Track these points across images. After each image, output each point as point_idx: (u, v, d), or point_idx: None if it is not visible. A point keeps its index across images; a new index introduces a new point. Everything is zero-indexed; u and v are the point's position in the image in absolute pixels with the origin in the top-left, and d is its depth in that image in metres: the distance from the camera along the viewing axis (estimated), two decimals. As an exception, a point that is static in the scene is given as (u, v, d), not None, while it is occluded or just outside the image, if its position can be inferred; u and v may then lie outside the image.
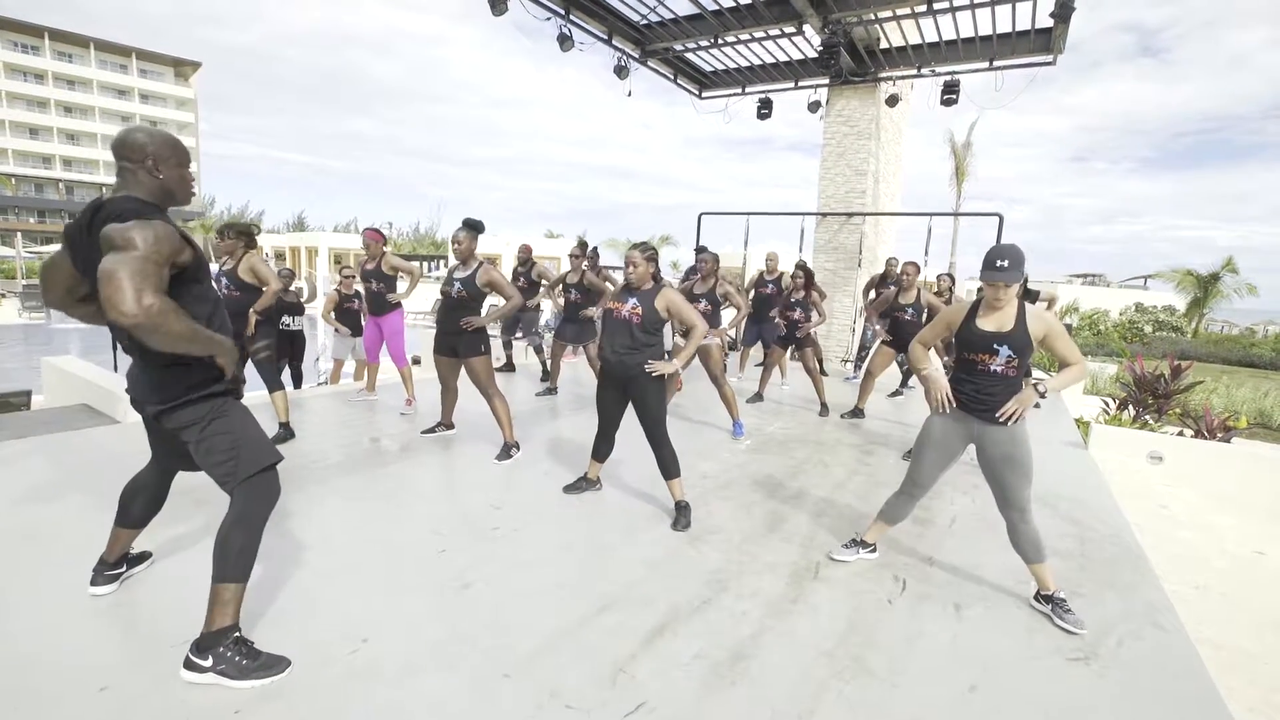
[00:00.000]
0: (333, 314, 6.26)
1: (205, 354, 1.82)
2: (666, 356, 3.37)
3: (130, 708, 1.80)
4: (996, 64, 8.48)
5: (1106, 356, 18.52)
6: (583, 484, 3.69)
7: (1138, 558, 3.19)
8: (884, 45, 8.69)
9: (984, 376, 2.55)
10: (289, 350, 5.93)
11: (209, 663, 1.87)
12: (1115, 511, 3.82)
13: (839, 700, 2.00)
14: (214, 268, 3.69)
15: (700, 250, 5.48)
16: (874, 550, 3.00)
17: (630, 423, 3.42)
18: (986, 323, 2.55)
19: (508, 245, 34.14)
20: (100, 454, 3.96)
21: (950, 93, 8.74)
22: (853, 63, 8.87)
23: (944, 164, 28.74)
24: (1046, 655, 2.30)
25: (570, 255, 5.96)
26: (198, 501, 3.08)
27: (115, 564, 2.33)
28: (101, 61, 51.87)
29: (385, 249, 5.36)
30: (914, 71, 9.14)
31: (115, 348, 4.50)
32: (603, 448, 3.60)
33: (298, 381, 6.25)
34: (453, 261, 4.24)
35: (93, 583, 2.31)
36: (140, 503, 2.25)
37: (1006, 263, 2.41)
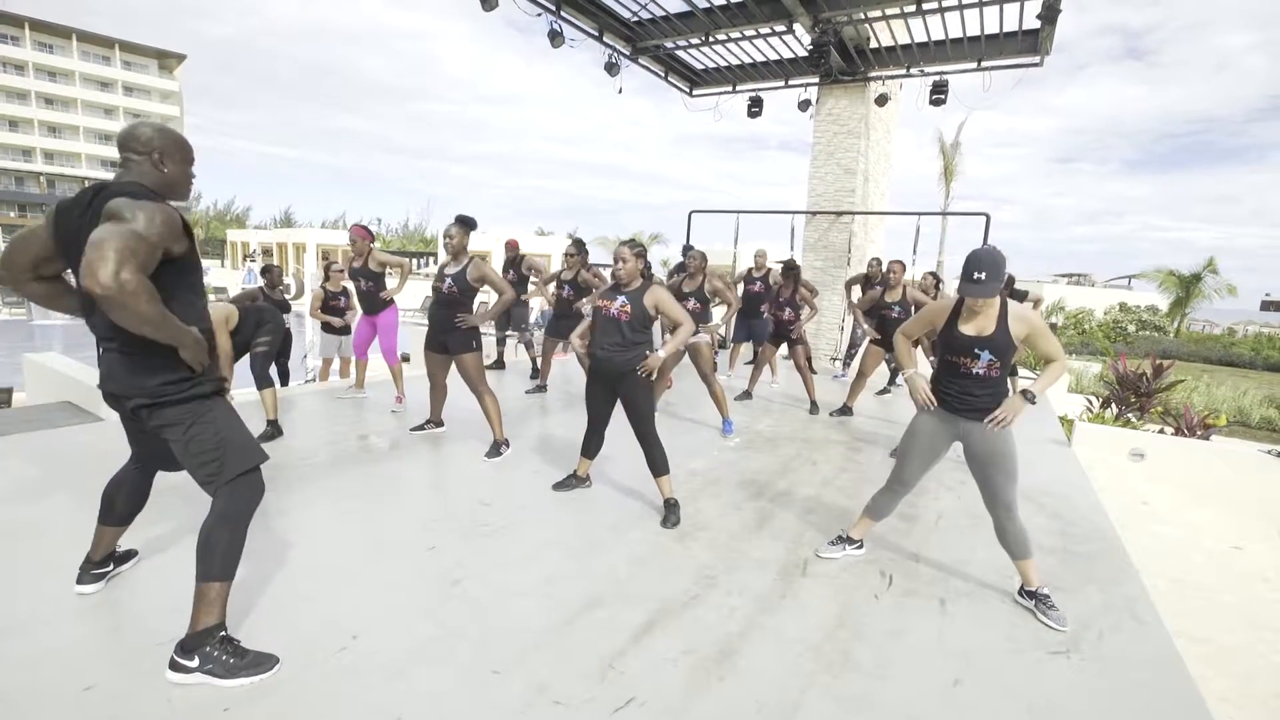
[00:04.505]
0: (319, 310, 6.21)
1: (170, 342, 1.75)
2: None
3: (116, 707, 1.79)
4: (984, 65, 8.54)
5: (1091, 355, 18.76)
6: (572, 481, 3.69)
7: (1118, 553, 3.25)
8: (874, 45, 8.74)
9: (967, 379, 2.58)
10: (278, 347, 5.87)
11: (195, 663, 1.86)
12: (1097, 508, 3.88)
13: (826, 694, 2.02)
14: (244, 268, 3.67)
15: (688, 249, 5.49)
16: (860, 546, 3.03)
17: (620, 420, 3.43)
18: (968, 326, 2.56)
19: (497, 241, 34.01)
20: (83, 452, 3.91)
21: (939, 93, 8.80)
22: (843, 62, 8.91)
23: (933, 163, 29.04)
24: (1029, 649, 2.34)
25: (565, 254, 5.95)
26: (185, 498, 3.06)
27: (101, 563, 2.31)
28: (84, 53, 51.06)
29: (372, 245, 5.33)
30: (903, 71, 9.20)
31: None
32: (592, 444, 3.60)
33: (285, 379, 6.20)
34: (443, 257, 4.23)
35: (79, 581, 2.29)
36: (122, 500, 2.22)
37: (984, 275, 2.40)
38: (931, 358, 5.88)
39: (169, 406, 1.86)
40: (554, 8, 7.62)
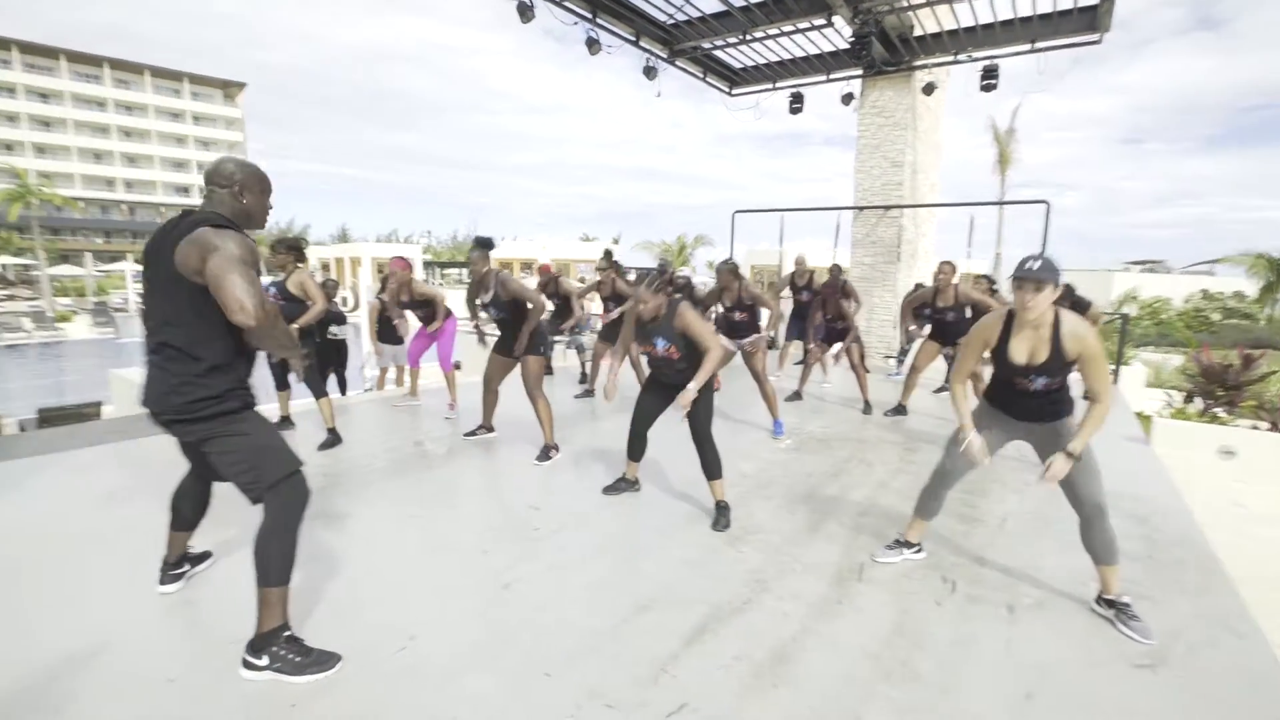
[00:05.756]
0: (375, 327, 6.41)
1: (291, 355, 2.06)
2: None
3: (195, 699, 1.88)
4: (1038, 46, 8.15)
5: (1170, 347, 17.62)
6: (621, 485, 3.69)
7: (1208, 559, 3.02)
8: (918, 32, 8.48)
9: (1025, 394, 2.47)
10: (335, 358, 6.12)
11: (264, 661, 1.95)
12: (1183, 511, 3.62)
13: (886, 705, 1.95)
14: (265, 279, 3.87)
15: (725, 263, 5.33)
16: (919, 550, 2.92)
17: (665, 424, 3.41)
18: (1020, 348, 2.40)
19: (543, 249, 34.55)
20: (165, 459, 4.14)
21: (990, 78, 8.44)
22: (885, 52, 8.67)
23: (986, 152, 27.89)
24: (1109, 662, 2.20)
25: (596, 269, 6.06)
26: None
27: (177, 564, 2.45)
28: (156, 87, 54.61)
29: (412, 276, 5.60)
30: (950, 58, 8.87)
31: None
32: (637, 447, 3.58)
33: (343, 388, 6.44)
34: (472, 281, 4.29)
35: (160, 581, 2.44)
36: (187, 507, 2.35)
37: (1038, 264, 2.25)
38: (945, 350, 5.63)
39: (198, 423, 1.95)
40: (590, 15, 7.69)
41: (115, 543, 2.88)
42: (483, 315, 4.42)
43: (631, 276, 7.70)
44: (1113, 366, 8.11)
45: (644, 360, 3.42)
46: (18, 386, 12.20)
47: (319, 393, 4.59)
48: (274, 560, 1.96)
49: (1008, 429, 2.61)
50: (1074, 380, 2.46)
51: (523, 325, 4.15)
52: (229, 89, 59.09)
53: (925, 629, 2.37)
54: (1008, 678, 2.10)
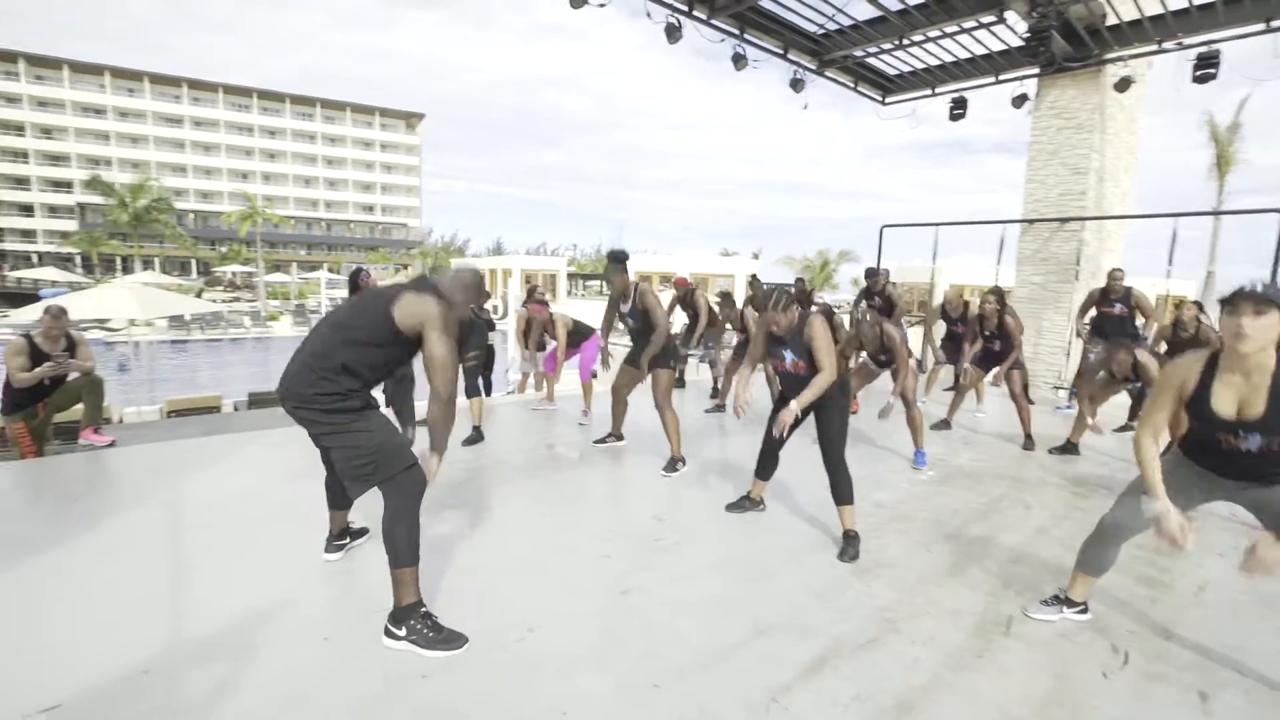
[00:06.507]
0: (523, 335, 6.88)
1: (442, 436, 2.30)
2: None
3: (344, 658, 2.13)
4: (1275, 24, 6.85)
5: None
6: (745, 503, 3.62)
7: None
8: (1111, 21, 7.50)
9: (1233, 455, 2.01)
10: (485, 361, 6.65)
11: (404, 633, 2.15)
12: None
13: (1032, 780, 1.72)
14: None
15: (872, 271, 5.10)
16: (1084, 610, 2.53)
17: (798, 446, 3.29)
18: (1225, 398, 1.97)
19: (682, 263, 35.02)
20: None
21: (1206, 66, 7.20)
22: (1068, 46, 7.77)
23: (1201, 154, 23.93)
24: (1343, 778, 1.77)
25: (745, 299, 6.16)
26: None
27: (339, 536, 2.80)
28: (354, 120, 63.23)
29: (548, 315, 6.08)
30: (1153, 47, 7.73)
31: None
32: (768, 466, 3.49)
33: (489, 390, 6.96)
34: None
35: (325, 550, 2.79)
36: (337, 489, 2.66)
37: (1260, 287, 1.86)
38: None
39: (319, 414, 2.18)
40: (738, 31, 7.71)
41: (297, 512, 3.31)
42: (619, 327, 4.57)
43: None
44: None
45: (778, 379, 3.35)
46: (236, 373, 14.59)
47: (472, 391, 5.00)
48: (401, 543, 2.17)
49: (1210, 489, 2.18)
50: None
51: (650, 342, 4.26)
52: (410, 119, 66.78)
53: (1086, 702, 2.06)
54: (1195, 776, 1.76)
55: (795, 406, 3.02)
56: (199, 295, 30.21)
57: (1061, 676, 2.19)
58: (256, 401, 7.90)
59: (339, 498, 2.70)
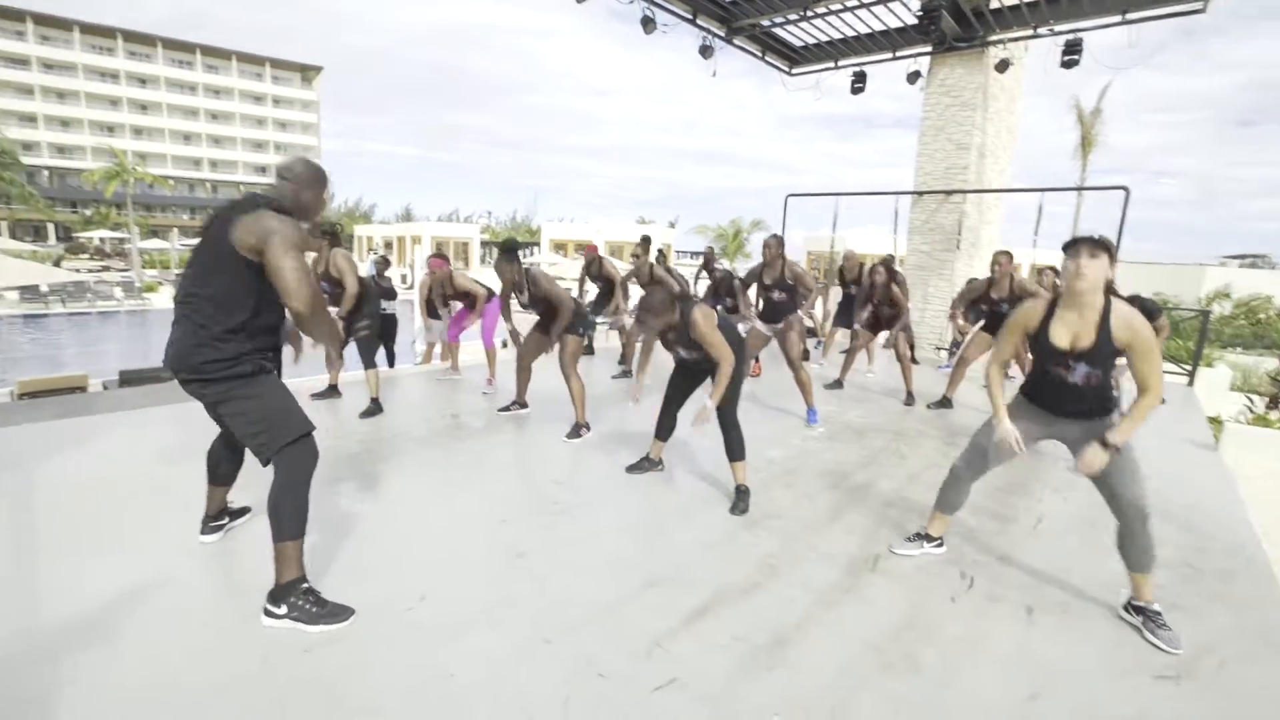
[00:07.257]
0: (425, 304, 6.65)
1: (332, 345, 2.44)
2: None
3: (225, 639, 2.05)
4: (1130, 17, 7.54)
5: (1265, 349, 16.23)
6: (645, 464, 3.72)
7: (1262, 573, 2.80)
8: (994, 5, 7.99)
9: (1063, 387, 2.32)
10: (385, 332, 6.38)
11: (283, 610, 2.09)
12: (1243, 522, 3.37)
13: (881, 696, 1.92)
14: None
15: (771, 238, 5.27)
16: (940, 545, 2.83)
17: (697, 405, 3.41)
18: (1062, 333, 2.26)
19: (598, 232, 34.75)
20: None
21: (1071, 53, 7.87)
22: (957, 26, 8.22)
23: (1071, 135, 26.11)
24: (1129, 671, 2.09)
25: (632, 255, 6.17)
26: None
27: (217, 516, 2.64)
28: (241, 71, 57.50)
29: (450, 270, 5.85)
30: (1029, 32, 8.33)
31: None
32: (665, 426, 3.62)
33: (391, 361, 6.71)
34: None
35: (201, 532, 2.63)
36: (221, 464, 2.52)
37: (1090, 239, 2.14)
38: (961, 322, 5.42)
39: (211, 384, 2.08)
40: (646, -7, 7.61)
41: (169, 494, 3.11)
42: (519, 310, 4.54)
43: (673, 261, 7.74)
44: (1189, 366, 7.54)
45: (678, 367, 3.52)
46: (108, 349, 13.25)
47: (368, 364, 4.81)
48: (286, 516, 2.09)
49: (1044, 424, 2.48)
50: (1128, 394, 2.32)
51: (556, 318, 4.29)
52: (306, 72, 61.58)
53: (934, 624, 2.31)
54: (1014, 678, 2.02)
55: (710, 405, 3.14)
56: (57, 264, 26.98)
57: (917, 604, 2.43)
58: (129, 380, 7.22)
59: (221, 474, 2.56)
